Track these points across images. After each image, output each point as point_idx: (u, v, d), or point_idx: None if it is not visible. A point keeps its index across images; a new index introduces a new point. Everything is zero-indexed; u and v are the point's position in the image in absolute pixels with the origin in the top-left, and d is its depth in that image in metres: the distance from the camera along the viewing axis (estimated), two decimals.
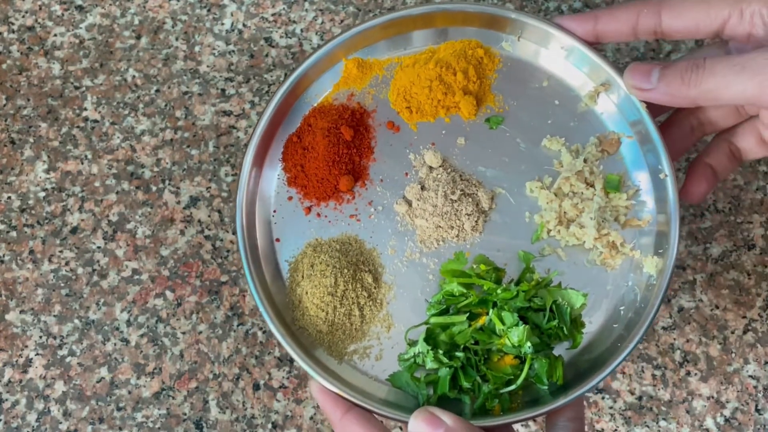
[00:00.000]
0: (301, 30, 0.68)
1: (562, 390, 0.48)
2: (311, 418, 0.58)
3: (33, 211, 0.63)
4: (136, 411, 0.58)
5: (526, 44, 0.55)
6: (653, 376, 0.59)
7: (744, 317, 0.61)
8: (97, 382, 0.58)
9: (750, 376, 0.59)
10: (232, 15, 0.69)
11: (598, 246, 0.51)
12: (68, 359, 0.59)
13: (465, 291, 0.50)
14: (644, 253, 0.51)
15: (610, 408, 0.58)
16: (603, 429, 0.58)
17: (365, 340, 0.51)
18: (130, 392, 0.58)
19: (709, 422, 0.58)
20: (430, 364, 0.48)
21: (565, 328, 0.49)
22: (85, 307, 0.60)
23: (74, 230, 0.62)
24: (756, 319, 0.60)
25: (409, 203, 0.53)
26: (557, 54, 0.54)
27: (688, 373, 0.59)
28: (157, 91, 0.67)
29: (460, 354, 0.48)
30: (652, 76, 0.48)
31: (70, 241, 0.62)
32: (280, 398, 0.58)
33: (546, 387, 0.48)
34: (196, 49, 0.68)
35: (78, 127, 0.65)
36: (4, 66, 0.67)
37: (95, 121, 0.66)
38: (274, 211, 0.53)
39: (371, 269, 0.52)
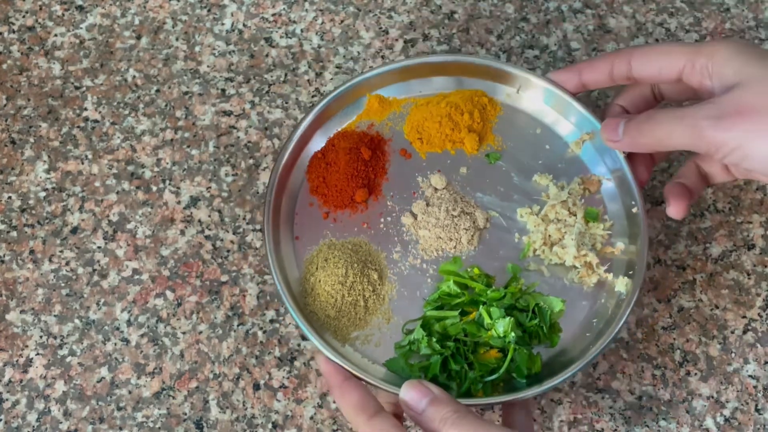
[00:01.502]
0: (301, 30, 0.68)
1: (536, 381, 0.54)
2: (311, 418, 0.58)
3: (33, 211, 0.63)
4: (137, 411, 0.58)
5: (524, 96, 0.63)
6: (653, 375, 0.59)
7: (744, 317, 0.61)
8: (98, 382, 0.58)
9: (750, 376, 0.59)
10: (232, 15, 0.69)
11: (577, 265, 0.58)
12: (68, 359, 0.59)
13: (459, 291, 0.56)
14: (616, 275, 0.57)
15: (610, 408, 0.58)
16: (603, 429, 0.58)
17: (367, 328, 0.57)
18: (130, 392, 0.58)
19: (709, 422, 0.58)
20: (424, 350, 0.54)
21: (545, 327, 0.55)
22: (85, 307, 0.60)
23: (74, 230, 0.63)
24: (756, 319, 0.61)
25: (415, 216, 0.60)
26: (549, 106, 0.62)
27: (688, 373, 0.59)
28: (158, 91, 0.67)
29: (450, 343, 0.54)
30: (619, 129, 0.55)
31: (70, 241, 0.62)
32: (281, 398, 0.58)
33: (524, 381, 0.53)
34: (197, 49, 0.68)
35: (78, 127, 0.66)
36: (4, 66, 0.68)
37: (95, 121, 0.66)
38: (296, 214, 0.60)
39: (377, 268, 0.58)
